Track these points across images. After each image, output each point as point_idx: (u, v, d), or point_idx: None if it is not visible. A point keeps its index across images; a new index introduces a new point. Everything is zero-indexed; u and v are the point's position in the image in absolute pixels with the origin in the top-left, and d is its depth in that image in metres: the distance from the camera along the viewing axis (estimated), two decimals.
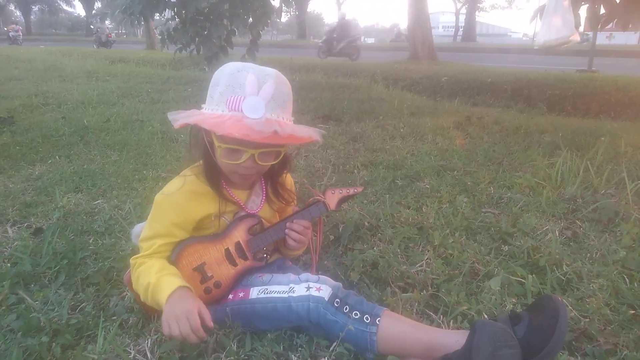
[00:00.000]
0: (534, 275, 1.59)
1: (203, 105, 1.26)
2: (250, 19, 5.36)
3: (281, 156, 1.31)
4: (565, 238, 1.96)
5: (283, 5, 5.58)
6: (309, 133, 1.23)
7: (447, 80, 8.47)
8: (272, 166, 1.40)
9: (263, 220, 1.43)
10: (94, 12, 51.11)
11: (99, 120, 4.15)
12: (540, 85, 7.49)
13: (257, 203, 1.43)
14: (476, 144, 3.55)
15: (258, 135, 1.13)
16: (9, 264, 1.70)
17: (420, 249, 1.84)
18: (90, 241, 1.90)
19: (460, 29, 33.07)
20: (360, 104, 5.49)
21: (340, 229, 1.96)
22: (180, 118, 1.22)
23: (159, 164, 2.93)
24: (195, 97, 5.81)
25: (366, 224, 2.03)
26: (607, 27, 3.21)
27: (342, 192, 1.45)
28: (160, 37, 6.12)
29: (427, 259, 1.74)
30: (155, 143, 3.42)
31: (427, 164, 2.99)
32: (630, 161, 2.91)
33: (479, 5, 30.25)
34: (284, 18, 61.83)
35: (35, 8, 52.90)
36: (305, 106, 5.19)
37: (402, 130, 4.09)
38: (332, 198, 1.44)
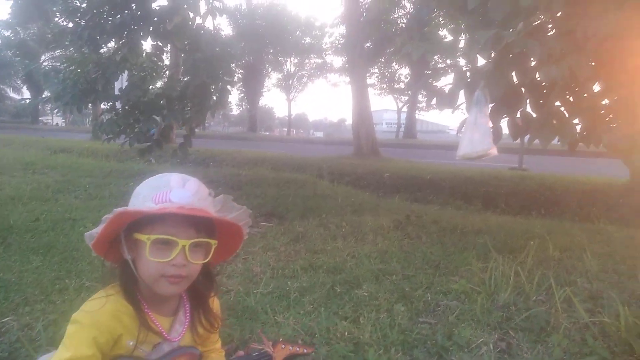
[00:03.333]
0: None
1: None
2: (188, 114, 5.47)
3: (211, 253, 1.26)
4: (499, 351, 1.95)
5: (218, 103, 5.76)
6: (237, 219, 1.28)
7: (389, 177, 8.82)
8: (198, 289, 1.35)
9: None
10: (42, 97, 50.74)
11: (27, 219, 3.92)
12: (475, 182, 7.94)
13: (179, 332, 1.34)
14: (415, 246, 3.60)
15: (190, 207, 1.14)
16: None
17: None
18: None
19: (402, 126, 35.22)
20: (306, 201, 5.54)
21: None
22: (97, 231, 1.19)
23: (84, 270, 2.75)
24: None
25: (300, 341, 1.94)
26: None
27: (292, 349, 1.43)
28: (94, 128, 6.12)
29: None
30: (84, 246, 3.22)
31: (367, 267, 2.99)
32: (558, 265, 3.03)
33: (418, 105, 32.64)
34: (236, 111, 63.84)
35: None
36: (249, 203, 5.17)
37: (344, 229, 4.11)
38: (280, 352, 1.40)
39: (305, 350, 1.44)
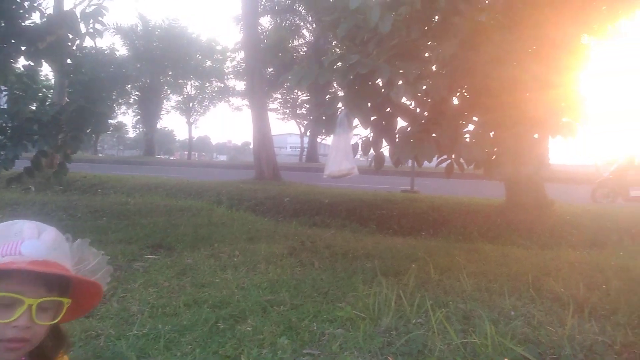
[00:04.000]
0: None
1: None
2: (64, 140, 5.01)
3: (62, 313, 1.09)
4: None
5: (94, 131, 5.40)
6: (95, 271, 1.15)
7: (289, 201, 8.83)
8: (43, 349, 1.16)
9: None
10: None
11: None
12: (370, 205, 8.21)
13: None
14: (306, 273, 3.58)
15: (43, 262, 1.00)
16: None
17: None
18: None
19: (305, 150, 35.82)
20: (198, 230, 5.33)
21: None
22: None
23: None
24: None
25: None
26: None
27: None
28: None
29: None
30: None
31: (255, 299, 2.89)
32: (437, 286, 3.17)
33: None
34: (132, 133, 60.68)
35: None
36: (134, 234, 4.84)
37: (235, 259, 3.99)
38: None
39: None
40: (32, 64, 5.06)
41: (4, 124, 4.79)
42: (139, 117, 38.76)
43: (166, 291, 3.09)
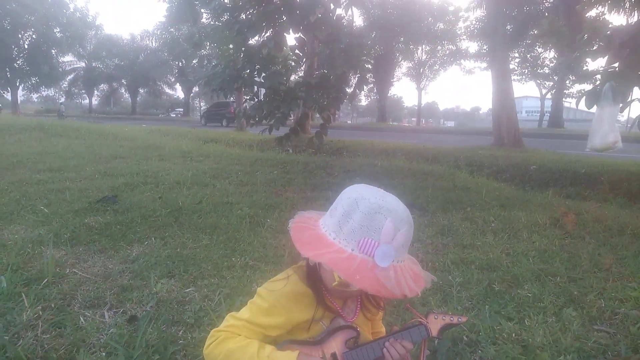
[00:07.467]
0: None
1: (323, 224, 1.25)
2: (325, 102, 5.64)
3: None
4: None
5: (357, 90, 5.84)
6: (425, 284, 1.23)
7: (536, 169, 8.14)
8: None
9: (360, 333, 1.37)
10: (191, 94, 56.45)
11: (192, 202, 4.37)
12: None
13: (352, 309, 1.40)
14: (578, 246, 3.26)
15: (389, 294, 1.14)
16: (103, 353, 1.73)
17: None
18: (180, 333, 1.91)
19: (546, 114, 32.27)
20: (445, 193, 5.36)
21: (436, 343, 1.82)
22: (307, 241, 1.21)
23: (247, 250, 2.97)
24: (281, 179, 6.02)
25: (465, 338, 1.87)
26: None
27: (446, 319, 1.36)
28: (238, 114, 6.65)
29: None
30: (243, 227, 3.51)
31: (526, 266, 2.78)
32: None
33: (565, 91, 29.56)
34: (365, 102, 64.31)
35: (142, 91, 59.51)
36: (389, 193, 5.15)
37: (493, 224, 3.89)
38: (434, 323, 1.35)
39: (460, 320, 1.36)
40: (302, 36, 5.76)
41: (279, 88, 5.65)
42: (371, 85, 40.69)
43: (431, 248, 3.21)
